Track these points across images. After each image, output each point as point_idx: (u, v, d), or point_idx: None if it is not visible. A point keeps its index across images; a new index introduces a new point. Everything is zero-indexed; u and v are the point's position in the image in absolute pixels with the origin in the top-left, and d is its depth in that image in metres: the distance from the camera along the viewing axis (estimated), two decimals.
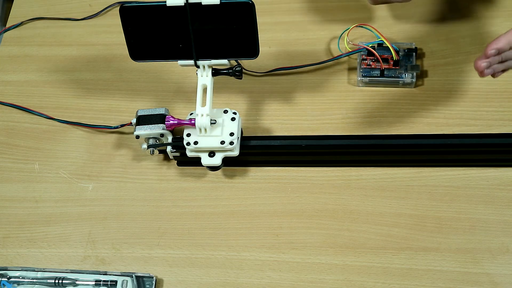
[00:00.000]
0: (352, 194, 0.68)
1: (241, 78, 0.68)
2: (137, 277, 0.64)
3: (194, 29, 0.63)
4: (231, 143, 0.66)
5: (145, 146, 0.69)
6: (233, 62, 0.73)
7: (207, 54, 0.65)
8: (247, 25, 0.62)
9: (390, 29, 0.79)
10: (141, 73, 0.80)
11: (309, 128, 0.73)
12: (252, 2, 0.61)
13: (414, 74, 0.74)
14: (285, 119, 0.74)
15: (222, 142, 0.66)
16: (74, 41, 0.84)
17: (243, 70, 0.75)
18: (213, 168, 0.70)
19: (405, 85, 0.74)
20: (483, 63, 0.60)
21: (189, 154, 0.67)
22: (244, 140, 0.68)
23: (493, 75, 0.62)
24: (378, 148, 0.68)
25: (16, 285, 0.65)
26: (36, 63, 0.83)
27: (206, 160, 0.67)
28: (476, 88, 0.73)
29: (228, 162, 0.69)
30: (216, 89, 0.73)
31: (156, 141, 0.70)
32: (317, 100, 0.75)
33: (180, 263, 0.66)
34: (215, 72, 0.67)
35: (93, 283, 0.64)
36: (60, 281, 0.64)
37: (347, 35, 0.75)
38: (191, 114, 0.68)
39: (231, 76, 0.67)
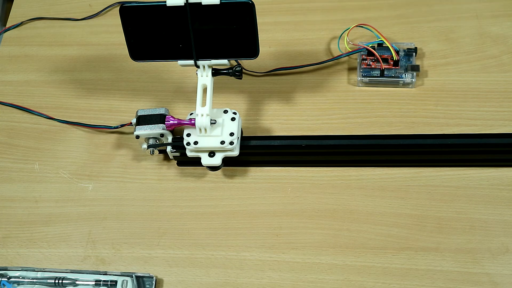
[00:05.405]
0: (352, 194, 0.68)
1: (241, 78, 0.68)
2: (137, 277, 0.64)
3: (194, 29, 0.63)
4: (231, 143, 0.66)
5: (145, 146, 0.69)
6: (233, 62, 0.73)
7: (207, 54, 0.65)
8: (247, 25, 0.62)
9: (390, 29, 0.79)
10: (141, 73, 0.80)
11: (309, 128, 0.73)
12: (252, 2, 0.61)
13: (414, 74, 0.74)
14: (285, 119, 0.74)
15: (222, 142, 0.66)
16: (74, 41, 0.84)
17: (243, 70, 0.75)
18: (213, 168, 0.70)
19: (405, 85, 0.74)
20: None
21: (189, 154, 0.67)
22: (244, 140, 0.68)
23: None
24: (378, 148, 0.68)
25: (16, 285, 0.65)
26: (36, 63, 0.83)
27: (206, 160, 0.67)
28: (476, 88, 0.73)
29: (228, 162, 0.69)
30: (216, 89, 0.73)
31: (156, 141, 0.70)
32: (317, 100, 0.75)
33: (180, 263, 0.66)
34: (215, 72, 0.67)
35: (93, 283, 0.64)
36: (60, 281, 0.64)
37: (347, 35, 0.75)
38: (191, 114, 0.68)
39: (231, 76, 0.67)
